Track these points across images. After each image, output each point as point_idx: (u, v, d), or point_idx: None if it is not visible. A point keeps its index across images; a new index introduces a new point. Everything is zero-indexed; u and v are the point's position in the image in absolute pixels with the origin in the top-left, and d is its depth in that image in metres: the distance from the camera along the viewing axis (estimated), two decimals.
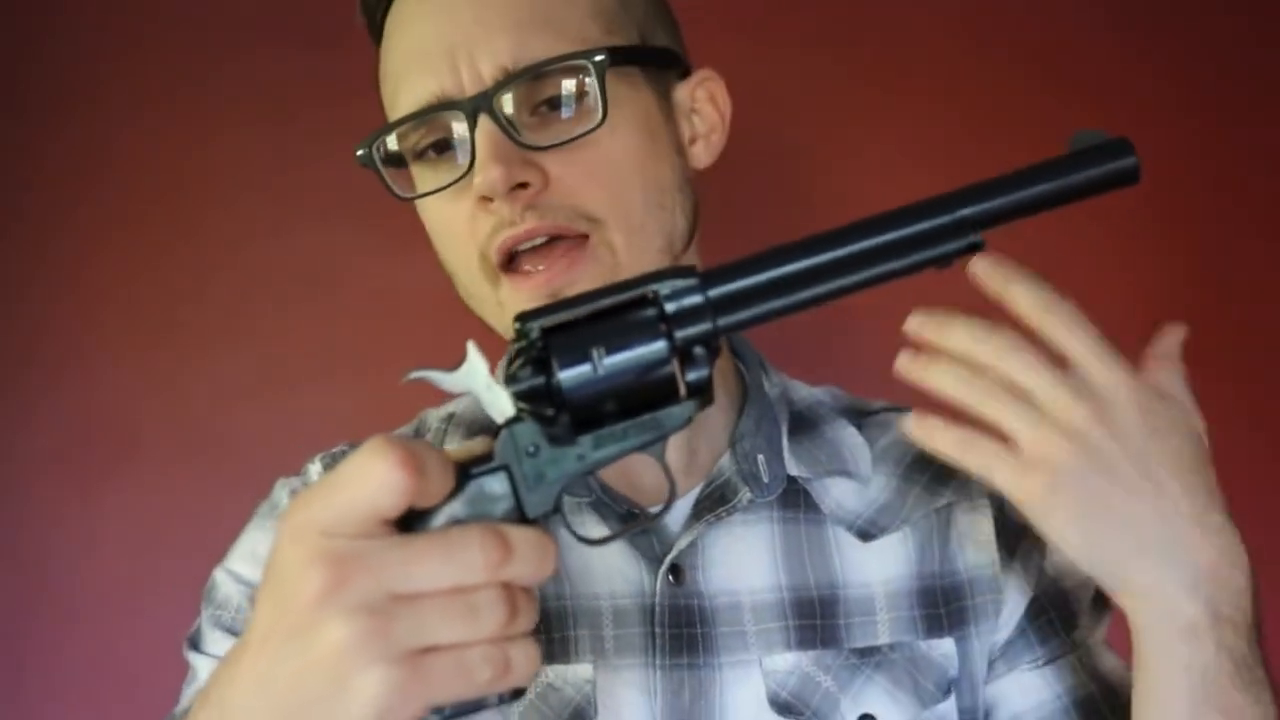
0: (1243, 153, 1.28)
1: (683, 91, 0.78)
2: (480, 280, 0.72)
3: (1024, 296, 0.58)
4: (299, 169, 1.25)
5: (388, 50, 0.76)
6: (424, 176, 0.73)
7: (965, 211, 0.54)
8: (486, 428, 0.81)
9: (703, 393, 0.52)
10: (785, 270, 0.53)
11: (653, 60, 0.75)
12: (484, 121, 0.68)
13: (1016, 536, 0.79)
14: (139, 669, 1.22)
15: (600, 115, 0.69)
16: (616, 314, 0.51)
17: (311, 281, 1.25)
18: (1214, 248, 1.28)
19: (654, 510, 0.74)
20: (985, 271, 0.57)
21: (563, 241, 0.70)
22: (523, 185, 0.68)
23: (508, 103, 0.69)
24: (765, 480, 0.76)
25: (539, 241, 0.70)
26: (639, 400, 0.51)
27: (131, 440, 1.24)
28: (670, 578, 0.74)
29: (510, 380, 0.52)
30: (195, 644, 0.79)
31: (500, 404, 0.52)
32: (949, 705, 0.76)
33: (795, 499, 0.77)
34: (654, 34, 0.77)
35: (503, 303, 0.72)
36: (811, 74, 1.25)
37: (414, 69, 0.71)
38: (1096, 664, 0.78)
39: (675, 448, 0.77)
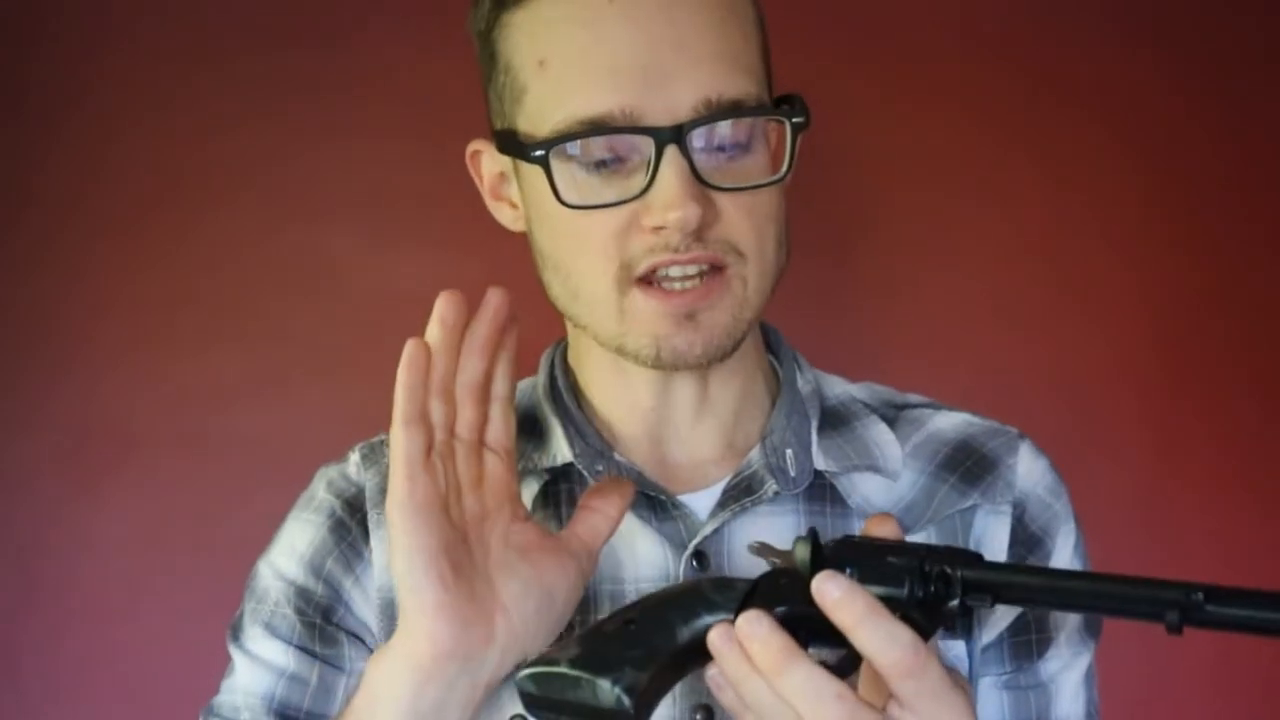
0: (1248, 153, 1.28)
1: None
2: (609, 287, 0.72)
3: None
4: (299, 169, 1.25)
5: (551, 31, 0.71)
6: (572, 180, 0.71)
7: (1200, 599, 0.54)
8: (527, 416, 0.82)
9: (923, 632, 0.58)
10: (1040, 582, 0.59)
11: (806, 115, 0.76)
12: (674, 153, 0.68)
13: (1027, 548, 0.80)
14: (137, 668, 1.22)
15: (785, 171, 0.72)
16: (889, 554, 0.60)
17: (311, 281, 1.25)
18: (1219, 247, 1.28)
19: (680, 499, 0.76)
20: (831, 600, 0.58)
21: (708, 269, 0.72)
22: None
23: (700, 136, 0.69)
24: (792, 474, 0.77)
25: (691, 270, 0.71)
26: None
27: (131, 440, 1.24)
28: (694, 563, 0.75)
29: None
30: (236, 634, 0.80)
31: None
32: None
33: (822, 493, 0.78)
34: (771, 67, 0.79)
35: (625, 311, 0.72)
36: (820, 77, 1.25)
37: (600, 77, 0.69)
38: (1049, 709, 0.79)
39: (712, 439, 0.80)
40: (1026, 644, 0.79)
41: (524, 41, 0.72)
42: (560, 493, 0.78)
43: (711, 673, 0.61)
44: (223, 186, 1.25)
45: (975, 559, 0.59)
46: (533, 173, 0.72)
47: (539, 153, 0.70)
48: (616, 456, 0.78)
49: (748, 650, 0.58)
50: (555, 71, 0.71)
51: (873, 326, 1.28)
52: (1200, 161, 1.28)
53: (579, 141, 0.69)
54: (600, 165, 0.70)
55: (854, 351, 1.27)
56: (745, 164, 0.71)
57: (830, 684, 0.57)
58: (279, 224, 1.25)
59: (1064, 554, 0.81)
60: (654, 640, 0.62)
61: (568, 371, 0.83)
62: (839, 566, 0.59)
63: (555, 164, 0.70)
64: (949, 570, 0.58)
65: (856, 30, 1.27)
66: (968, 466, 0.81)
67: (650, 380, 0.78)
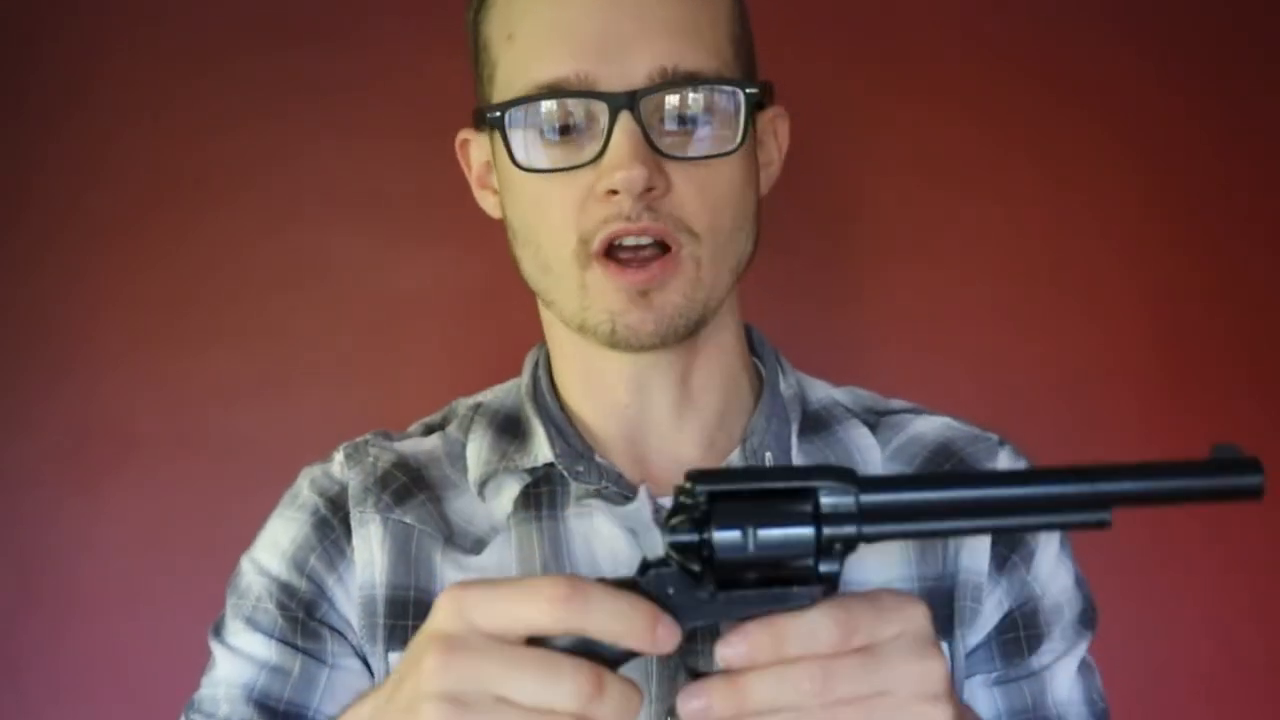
0: (1248, 153, 1.28)
1: (760, 121, 0.80)
2: (569, 261, 0.73)
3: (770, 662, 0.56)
4: (299, 168, 1.25)
5: (520, 6, 0.74)
6: (531, 146, 0.73)
7: (1104, 487, 0.58)
8: (510, 418, 0.82)
9: (831, 583, 0.57)
10: (932, 497, 0.58)
11: (768, 96, 0.78)
12: (626, 119, 0.69)
13: (1009, 548, 0.80)
14: (137, 668, 1.22)
15: (738, 143, 0.72)
16: (777, 498, 0.57)
17: (311, 281, 1.25)
18: (1219, 247, 1.28)
19: (660, 502, 0.76)
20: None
21: (659, 247, 0.72)
22: (650, 188, 0.70)
23: (653, 105, 0.71)
24: None
25: (644, 241, 0.72)
26: (775, 575, 0.57)
27: (130, 440, 1.24)
28: None
29: (670, 530, 0.57)
30: (217, 631, 0.80)
31: (656, 544, 0.59)
32: None
33: None
34: (752, 64, 0.79)
35: (587, 286, 0.73)
36: (820, 77, 1.25)
37: (558, 45, 0.71)
38: (1045, 695, 0.79)
39: (694, 440, 0.79)
40: (1015, 640, 0.79)
41: (498, 19, 0.75)
42: (541, 495, 0.78)
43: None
44: (223, 186, 1.25)
45: (855, 480, 0.57)
46: (502, 146, 0.74)
47: (495, 114, 0.72)
48: (597, 458, 0.78)
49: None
50: (521, 43, 0.73)
51: (873, 326, 1.28)
52: (1200, 161, 1.28)
53: (538, 107, 0.71)
54: (563, 133, 0.71)
55: (854, 351, 1.27)
56: (703, 139, 0.72)
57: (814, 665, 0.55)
58: (279, 224, 1.25)
59: (1050, 549, 0.81)
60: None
61: (551, 373, 0.83)
62: (732, 524, 0.56)
63: (518, 132, 0.72)
64: (854, 504, 0.57)
65: (856, 30, 1.27)
66: (948, 468, 0.81)
67: (626, 376, 0.78)
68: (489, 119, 0.73)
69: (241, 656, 0.78)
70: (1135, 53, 1.28)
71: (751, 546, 0.56)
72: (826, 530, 0.56)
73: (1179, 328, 1.27)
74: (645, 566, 0.58)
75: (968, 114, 1.27)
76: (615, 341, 0.73)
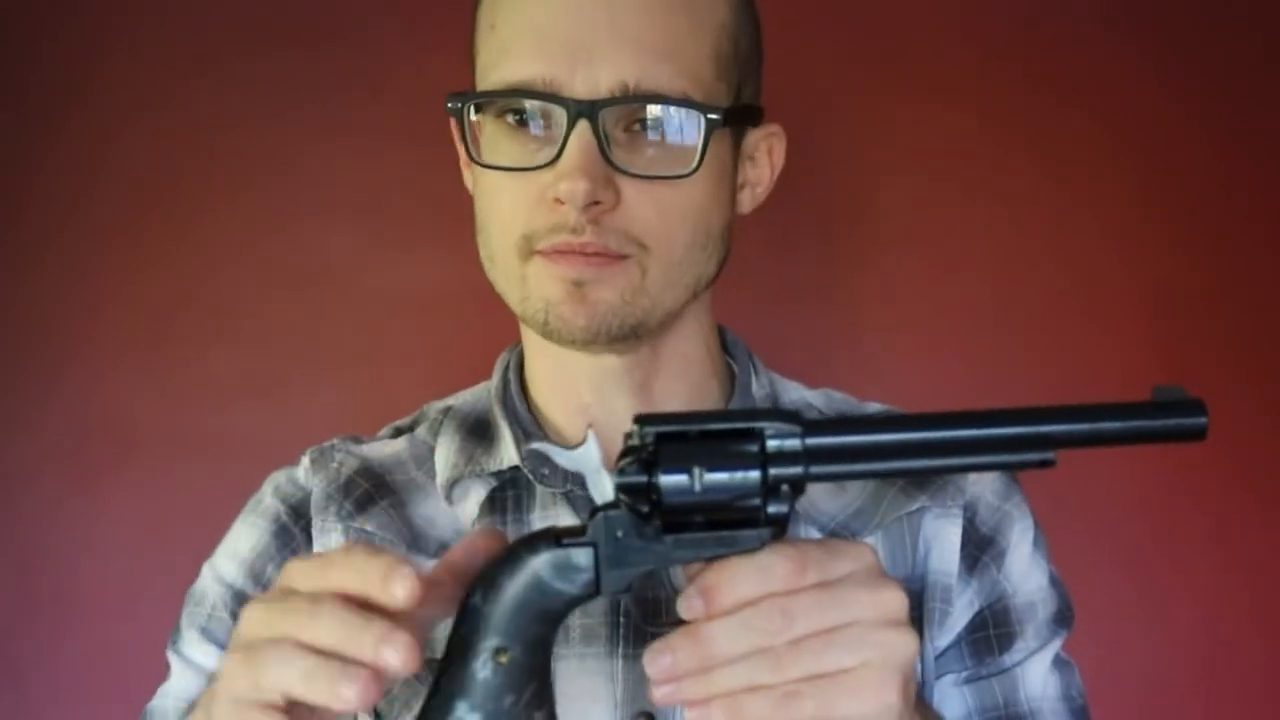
0: (1248, 153, 1.28)
1: (749, 139, 0.79)
2: (511, 252, 0.73)
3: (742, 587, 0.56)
4: (299, 168, 1.25)
5: (506, 3, 0.74)
6: (498, 139, 0.73)
7: (1049, 429, 0.58)
8: (480, 421, 0.82)
9: (780, 525, 0.57)
10: (878, 438, 0.58)
11: (749, 120, 0.77)
12: (583, 127, 0.69)
13: (979, 548, 0.79)
14: (138, 669, 1.22)
15: (694, 167, 0.71)
16: (723, 439, 0.57)
17: (311, 281, 1.25)
18: (1219, 247, 1.28)
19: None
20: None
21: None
22: (598, 202, 0.70)
23: (612, 117, 0.70)
24: None
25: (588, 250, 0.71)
26: (723, 518, 0.56)
27: (130, 440, 1.24)
28: None
29: (618, 471, 0.57)
30: (174, 640, 0.80)
31: (604, 488, 0.58)
32: None
33: None
34: (748, 81, 0.78)
35: (526, 278, 0.73)
36: (820, 76, 1.25)
37: (530, 46, 0.71)
38: (1017, 691, 0.78)
39: None
40: (985, 639, 0.79)
41: (487, 7, 0.75)
42: (507, 499, 0.77)
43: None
44: (223, 186, 1.25)
45: (800, 423, 0.57)
46: (468, 135, 0.74)
47: (455, 105, 0.72)
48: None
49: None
50: (499, 35, 0.73)
51: (872, 326, 1.28)
52: (1200, 161, 1.28)
53: (500, 104, 0.71)
54: (524, 132, 0.72)
55: (852, 351, 1.27)
56: (659, 158, 0.71)
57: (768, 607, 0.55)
58: (279, 224, 1.25)
59: (1022, 549, 0.81)
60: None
61: (522, 375, 0.83)
62: (679, 466, 0.56)
63: (487, 127, 0.73)
64: (800, 445, 0.57)
65: (856, 29, 1.27)
66: None
67: (587, 375, 0.77)
68: (447, 107, 0.73)
69: (193, 668, 0.77)
70: (1135, 53, 1.27)
71: (698, 487, 0.56)
72: (773, 471, 0.56)
73: (1179, 328, 1.27)
74: (595, 510, 0.58)
75: (968, 114, 1.27)
76: (549, 332, 0.73)
